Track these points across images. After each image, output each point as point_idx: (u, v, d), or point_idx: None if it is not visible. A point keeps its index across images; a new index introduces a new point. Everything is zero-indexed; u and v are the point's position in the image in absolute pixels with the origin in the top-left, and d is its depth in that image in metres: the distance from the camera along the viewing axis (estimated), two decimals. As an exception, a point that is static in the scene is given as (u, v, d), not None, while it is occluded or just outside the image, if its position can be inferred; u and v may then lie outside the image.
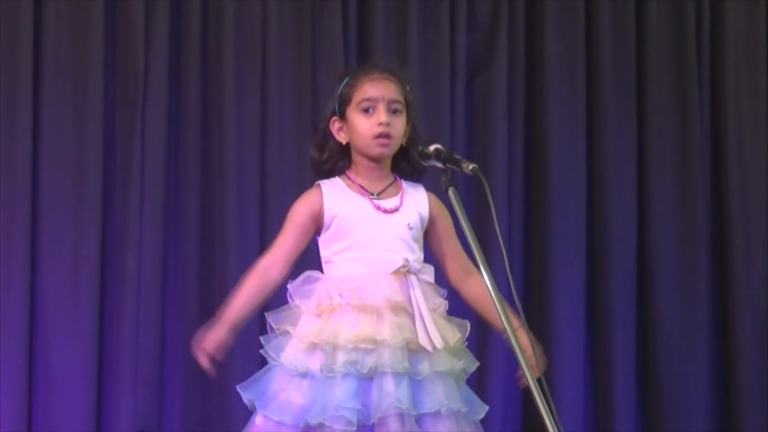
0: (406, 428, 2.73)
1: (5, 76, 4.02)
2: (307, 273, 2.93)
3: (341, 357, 2.78)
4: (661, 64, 4.62)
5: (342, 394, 2.76)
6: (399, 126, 2.93)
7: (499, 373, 4.27)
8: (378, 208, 2.93)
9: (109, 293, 4.07)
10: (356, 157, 2.97)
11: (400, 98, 2.95)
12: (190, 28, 4.19)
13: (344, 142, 2.97)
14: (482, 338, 4.00)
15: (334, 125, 2.98)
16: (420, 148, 2.81)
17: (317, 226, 2.94)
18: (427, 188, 3.01)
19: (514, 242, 4.43)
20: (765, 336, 4.59)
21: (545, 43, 4.50)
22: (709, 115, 4.66)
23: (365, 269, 2.88)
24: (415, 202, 2.97)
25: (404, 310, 2.84)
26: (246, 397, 2.86)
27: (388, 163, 2.98)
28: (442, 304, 2.92)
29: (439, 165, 2.74)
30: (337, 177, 2.98)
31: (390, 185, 2.98)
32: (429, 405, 2.78)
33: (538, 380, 2.41)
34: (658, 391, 4.51)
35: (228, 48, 4.19)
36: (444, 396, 2.80)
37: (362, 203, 2.93)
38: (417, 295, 2.85)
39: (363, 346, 2.78)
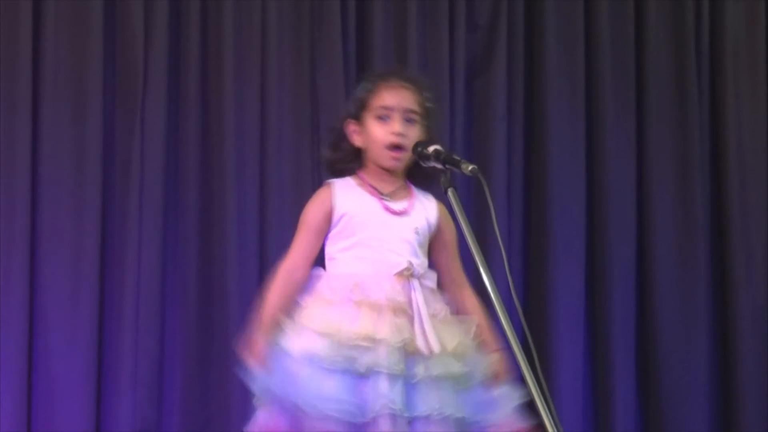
0: (397, 429, 2.73)
1: (5, 75, 4.02)
2: None
3: (340, 351, 2.78)
4: (660, 65, 4.62)
5: (336, 388, 2.76)
6: (413, 136, 2.94)
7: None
8: (387, 208, 2.95)
9: (109, 293, 4.06)
10: (368, 161, 3.00)
11: (417, 108, 2.96)
12: (190, 28, 4.19)
13: (358, 145, 2.99)
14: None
15: (350, 127, 3.00)
16: (419, 149, 2.82)
17: (330, 223, 2.96)
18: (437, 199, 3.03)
19: (513, 242, 4.43)
20: (765, 336, 4.59)
21: (545, 43, 4.50)
22: (709, 116, 4.66)
23: (369, 268, 2.90)
24: (425, 208, 3.00)
25: (404, 312, 2.85)
26: (254, 388, 2.86)
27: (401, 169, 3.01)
28: (443, 309, 2.93)
29: (439, 166, 2.76)
30: (348, 176, 3.00)
31: (400, 187, 2.99)
32: (421, 409, 2.78)
33: (538, 380, 2.41)
34: (658, 390, 4.51)
35: (228, 48, 4.18)
36: (437, 401, 2.79)
37: (371, 202, 2.95)
38: (418, 298, 2.86)
39: (362, 343, 2.79)
